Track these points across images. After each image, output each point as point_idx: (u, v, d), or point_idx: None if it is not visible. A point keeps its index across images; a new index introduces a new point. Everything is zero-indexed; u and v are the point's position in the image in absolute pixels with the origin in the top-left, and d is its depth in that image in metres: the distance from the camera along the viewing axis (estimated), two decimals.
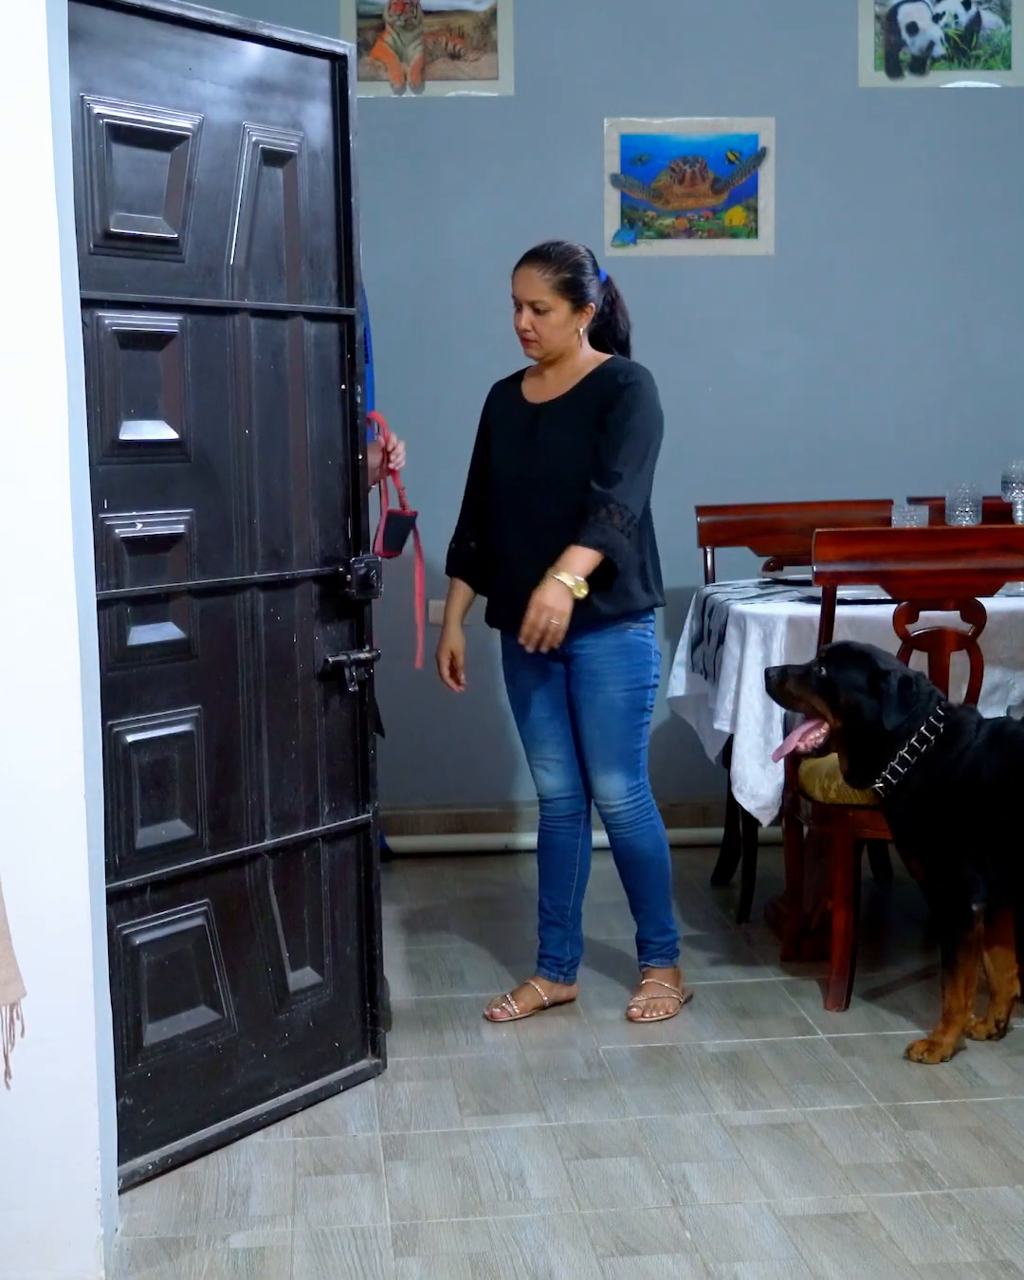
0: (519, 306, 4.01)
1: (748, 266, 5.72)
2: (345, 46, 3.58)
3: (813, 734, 3.92)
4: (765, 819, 4.46)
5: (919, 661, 4.12)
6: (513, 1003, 4.18)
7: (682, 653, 4.96)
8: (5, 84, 2.78)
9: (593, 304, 3.99)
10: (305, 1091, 3.68)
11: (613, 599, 3.95)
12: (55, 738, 2.91)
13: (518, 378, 4.17)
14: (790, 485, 5.54)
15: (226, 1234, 3.18)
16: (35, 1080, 2.89)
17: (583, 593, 3.86)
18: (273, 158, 3.46)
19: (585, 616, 3.93)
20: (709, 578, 5.16)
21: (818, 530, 4.15)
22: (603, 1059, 3.95)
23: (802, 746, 3.94)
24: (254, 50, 3.42)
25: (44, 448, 2.87)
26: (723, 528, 5.21)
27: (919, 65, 5.71)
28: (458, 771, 5.75)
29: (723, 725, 4.45)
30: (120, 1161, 3.25)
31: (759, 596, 4.64)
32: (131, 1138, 3.32)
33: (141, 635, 3.30)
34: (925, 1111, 3.63)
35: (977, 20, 5.71)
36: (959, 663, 4.15)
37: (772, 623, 4.36)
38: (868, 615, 4.33)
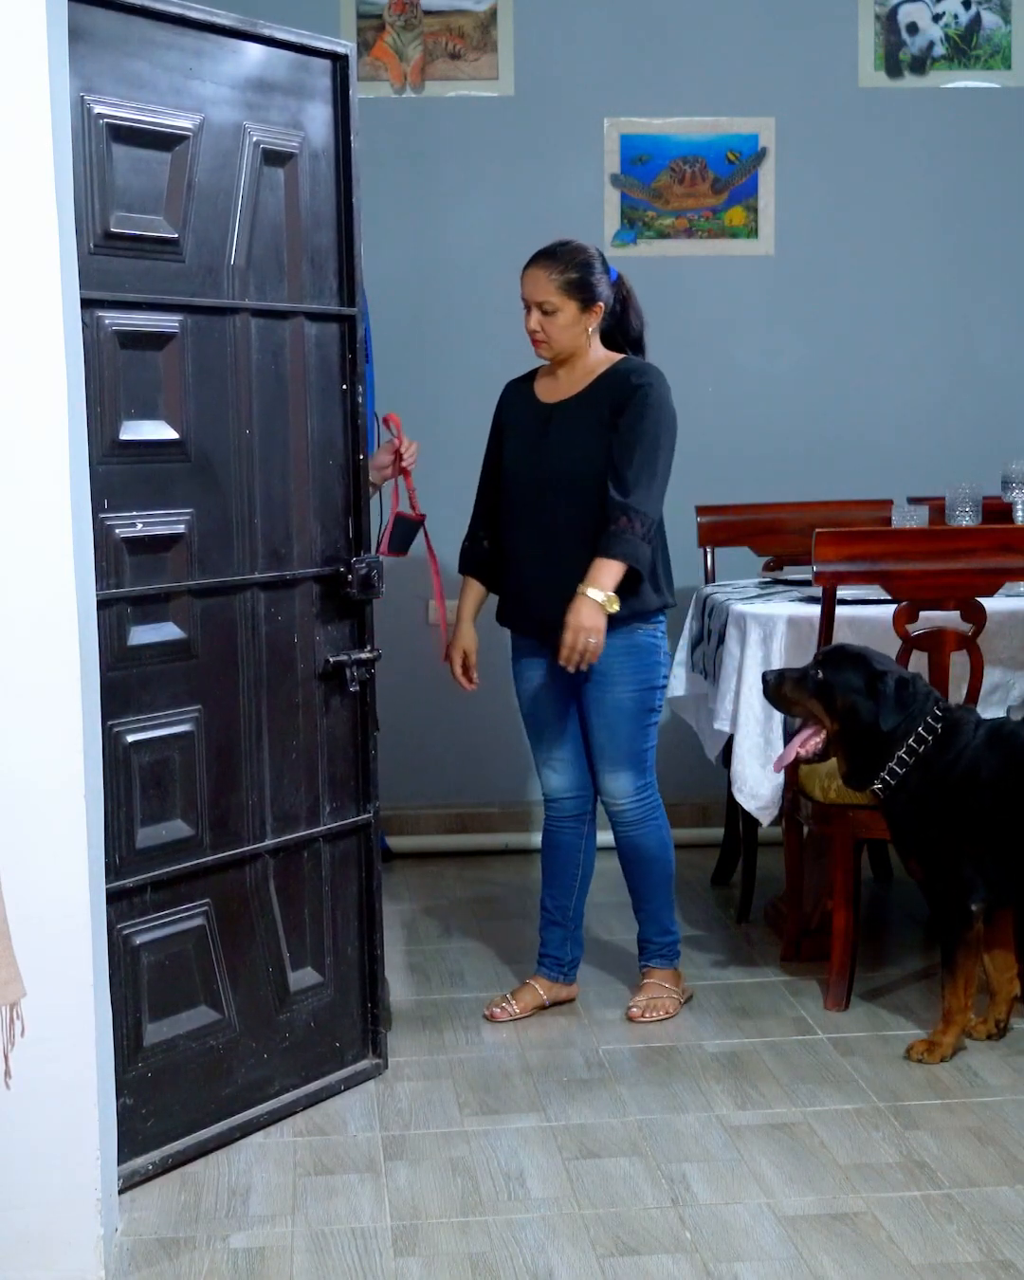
0: (528, 308, 4.01)
1: (748, 266, 5.72)
2: (346, 46, 3.57)
3: (812, 741, 3.93)
4: (765, 819, 4.46)
5: (919, 662, 4.13)
6: (513, 1002, 4.18)
7: (682, 653, 4.96)
8: (5, 84, 2.78)
9: (602, 303, 3.99)
10: (306, 1091, 3.68)
11: (623, 600, 3.96)
12: (55, 738, 2.91)
13: (531, 377, 4.17)
14: (790, 485, 5.54)
15: (226, 1234, 3.18)
16: (35, 1080, 2.89)
17: (615, 607, 3.88)
18: (273, 158, 3.46)
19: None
20: (709, 578, 5.16)
21: (818, 530, 4.15)
22: (603, 1059, 3.95)
23: (802, 752, 3.94)
24: (255, 50, 3.42)
25: (44, 448, 2.87)
26: (723, 528, 5.21)
27: (919, 65, 5.71)
28: (458, 771, 5.75)
29: (723, 725, 4.45)
30: (120, 1161, 3.25)
31: (759, 596, 4.64)
32: (132, 1138, 3.32)
33: (142, 635, 3.30)
34: (925, 1111, 3.63)
35: (977, 20, 5.71)
36: (959, 663, 4.15)
37: (772, 623, 4.36)
38: (868, 615, 4.33)
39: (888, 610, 4.18)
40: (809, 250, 5.72)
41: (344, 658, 3.66)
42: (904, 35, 5.69)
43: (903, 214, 5.74)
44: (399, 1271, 3.03)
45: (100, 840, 3.12)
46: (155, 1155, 3.37)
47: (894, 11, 5.68)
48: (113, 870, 3.23)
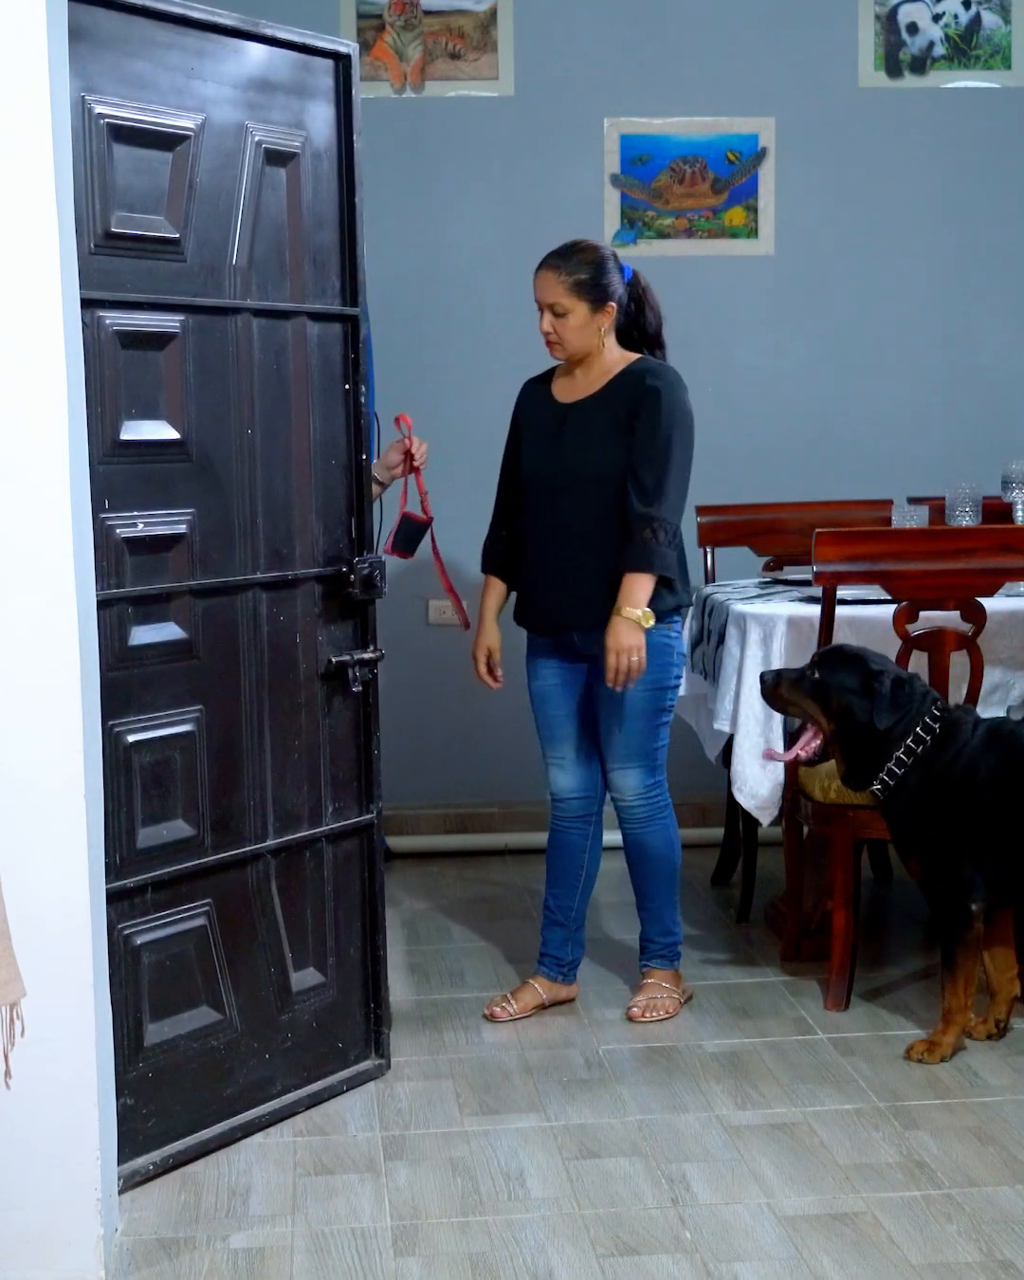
0: (541, 310, 4.01)
1: (748, 266, 5.72)
2: (349, 46, 3.57)
3: (811, 743, 3.93)
4: (765, 819, 4.46)
5: (919, 661, 4.13)
6: (513, 1002, 4.19)
7: None
8: (5, 84, 2.78)
9: (614, 303, 4.00)
10: (308, 1092, 3.68)
11: None
12: (55, 738, 2.91)
13: (549, 376, 4.18)
14: (790, 485, 5.54)
15: (226, 1234, 3.18)
16: (35, 1080, 2.89)
17: (650, 622, 3.92)
18: (276, 157, 3.46)
19: (609, 616, 3.96)
20: (709, 578, 5.15)
21: (818, 530, 4.15)
22: (603, 1059, 3.95)
23: (802, 755, 3.95)
24: (257, 50, 3.42)
25: (44, 448, 2.86)
26: (723, 528, 5.21)
27: (919, 65, 5.71)
28: (458, 771, 5.76)
29: (723, 725, 4.45)
30: (121, 1162, 3.25)
31: (759, 596, 4.64)
32: (133, 1138, 3.32)
33: (143, 635, 3.30)
34: (925, 1111, 3.63)
35: (977, 20, 5.71)
36: (959, 663, 4.15)
37: (772, 623, 4.36)
38: (868, 615, 4.33)
39: (888, 610, 4.18)
40: (809, 250, 5.72)
41: (347, 658, 3.66)
42: (904, 35, 5.69)
43: (903, 214, 5.74)
44: (399, 1271, 3.03)
45: (100, 840, 3.11)
46: (156, 1155, 3.37)
47: (894, 11, 5.68)
48: (113, 870, 3.23)
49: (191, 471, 3.37)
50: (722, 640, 4.50)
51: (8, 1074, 2.76)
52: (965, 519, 4.77)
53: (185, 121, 3.29)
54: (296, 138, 3.50)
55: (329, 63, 3.55)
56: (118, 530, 3.23)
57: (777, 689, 3.97)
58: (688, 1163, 3.42)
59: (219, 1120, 3.50)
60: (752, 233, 5.71)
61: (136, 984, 3.32)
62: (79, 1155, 2.98)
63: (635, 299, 4.08)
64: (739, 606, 4.46)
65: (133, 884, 3.29)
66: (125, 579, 3.25)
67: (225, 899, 3.49)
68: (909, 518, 4.73)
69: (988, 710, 4.25)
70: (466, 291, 5.63)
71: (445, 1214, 3.23)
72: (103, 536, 3.18)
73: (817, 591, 4.30)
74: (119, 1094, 3.24)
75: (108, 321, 3.18)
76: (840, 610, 4.22)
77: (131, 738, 3.29)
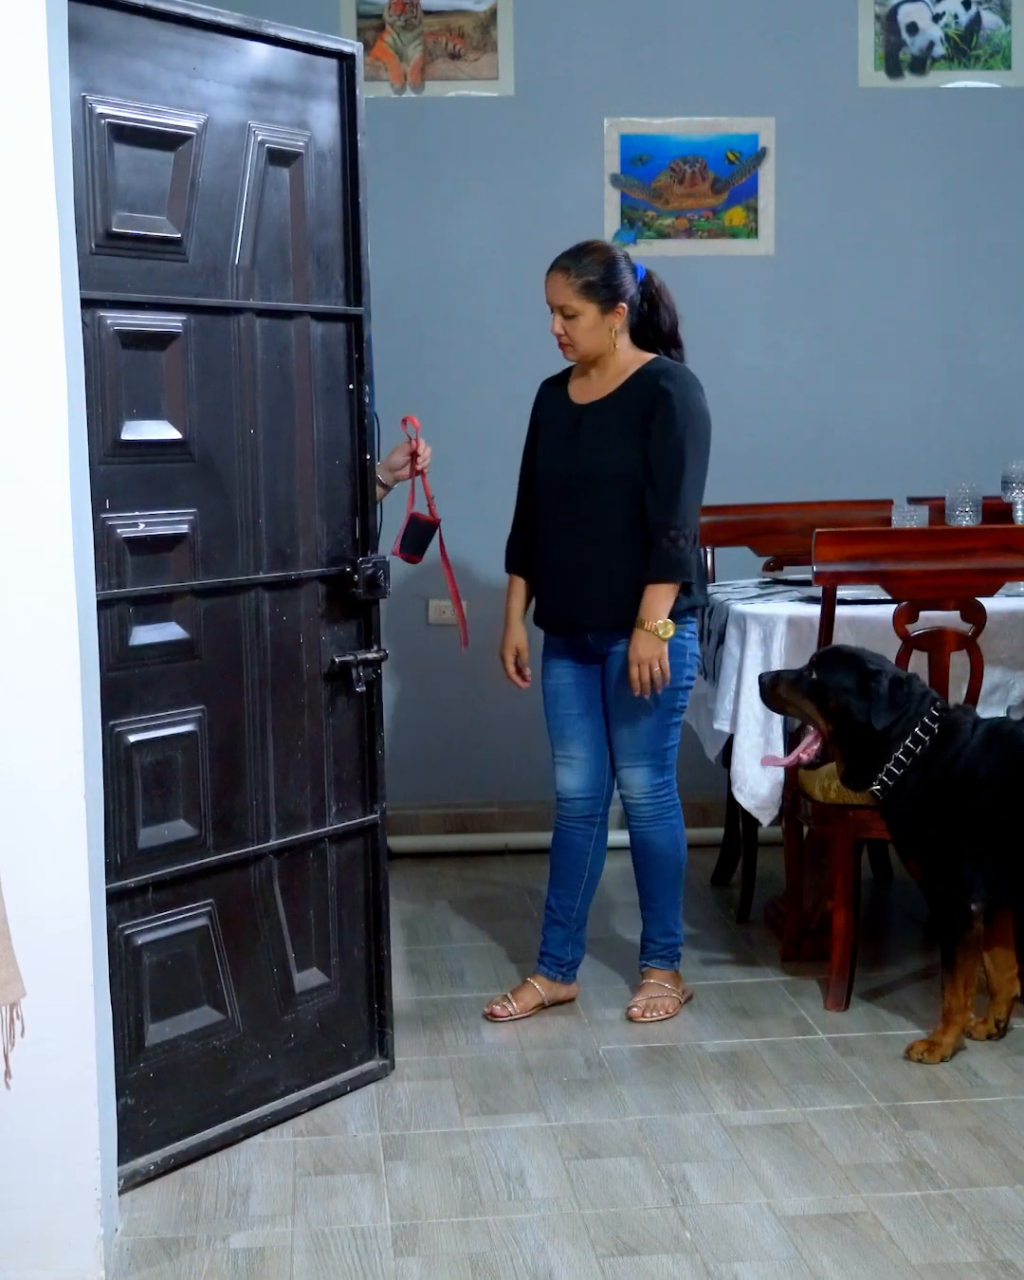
0: (552, 312, 4.02)
1: (748, 266, 5.72)
2: (353, 46, 3.57)
3: (811, 747, 3.94)
4: (765, 818, 4.46)
5: (919, 662, 4.13)
6: (513, 1001, 4.19)
7: None
8: (5, 84, 2.78)
9: (625, 303, 4.00)
10: (311, 1092, 3.68)
11: None
12: (55, 738, 2.91)
13: (565, 377, 4.19)
14: (790, 485, 5.54)
15: (226, 1234, 3.18)
16: (35, 1080, 2.89)
17: (670, 632, 3.96)
18: (279, 157, 3.45)
19: (627, 616, 3.98)
20: (709, 578, 5.15)
21: (818, 530, 4.15)
22: (603, 1059, 3.95)
23: (803, 758, 3.96)
24: (260, 50, 3.42)
25: (44, 448, 2.86)
26: (723, 528, 5.21)
27: (919, 65, 5.71)
28: (458, 771, 5.75)
29: (723, 725, 4.45)
30: (122, 1162, 3.25)
31: (759, 596, 4.64)
32: (133, 1138, 3.32)
33: (144, 635, 3.30)
34: (925, 1111, 3.63)
35: (977, 20, 5.71)
36: (959, 663, 4.15)
37: (772, 623, 4.36)
38: (868, 615, 4.33)
39: (888, 610, 4.18)
40: (809, 250, 5.72)
41: (350, 658, 3.65)
42: (904, 35, 5.69)
43: (903, 214, 5.74)
44: (399, 1271, 3.03)
45: (100, 840, 3.11)
46: (157, 1155, 3.37)
47: (894, 11, 5.68)
48: (114, 870, 3.23)
49: (193, 471, 3.37)
50: (722, 640, 4.51)
51: (8, 1074, 2.76)
52: (965, 519, 4.77)
53: (187, 121, 3.29)
54: (300, 137, 3.49)
55: (333, 62, 3.55)
56: (119, 530, 3.23)
57: (775, 690, 3.98)
58: (688, 1163, 3.42)
59: (221, 1120, 3.50)
60: (752, 233, 5.71)
61: (137, 984, 3.32)
62: (79, 1155, 2.98)
63: (648, 299, 4.08)
64: (739, 606, 4.46)
65: (133, 884, 3.29)
66: (126, 579, 3.25)
67: (227, 899, 3.49)
68: (909, 518, 4.73)
69: (988, 710, 4.25)
70: (466, 291, 5.63)
71: (445, 1214, 3.23)
72: (103, 536, 3.18)
73: (817, 591, 4.30)
74: (120, 1094, 3.24)
75: (108, 321, 3.18)
76: (840, 610, 4.22)
77: (132, 738, 3.28)
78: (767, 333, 5.75)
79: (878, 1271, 3.00)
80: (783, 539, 5.17)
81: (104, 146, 3.14)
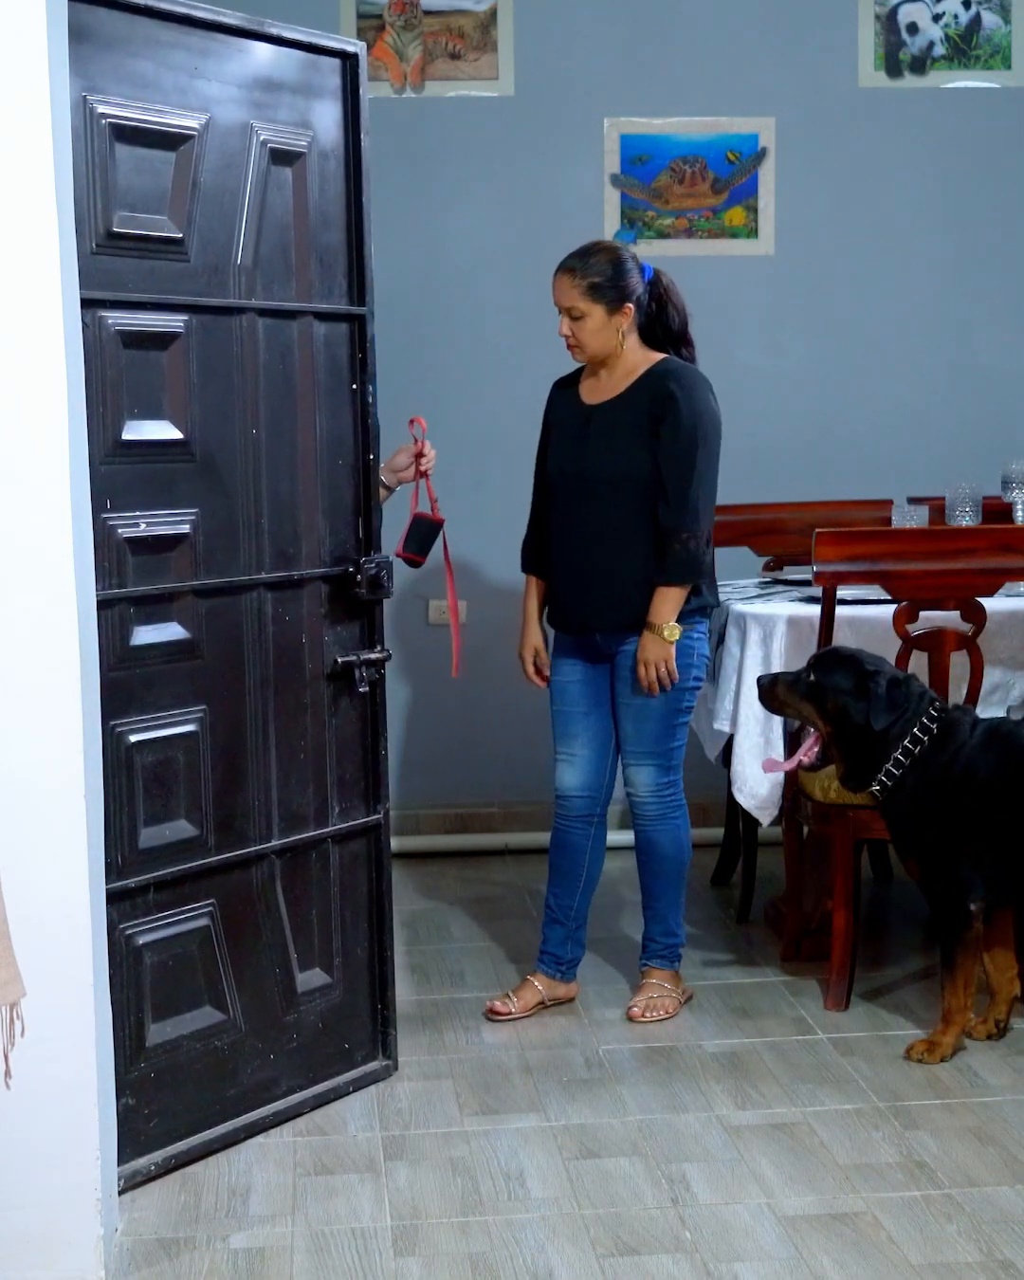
0: (561, 314, 4.02)
1: (748, 266, 5.72)
2: (356, 45, 3.57)
3: (812, 750, 3.95)
4: (765, 818, 4.46)
5: (919, 662, 4.13)
6: (514, 999, 4.19)
7: None
8: (4, 84, 2.78)
9: (632, 304, 4.01)
10: (314, 1093, 3.67)
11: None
12: (55, 738, 2.91)
13: (576, 377, 4.20)
14: (790, 485, 5.54)
15: (226, 1234, 3.18)
16: (35, 1080, 2.89)
17: (677, 634, 3.99)
18: (281, 157, 3.45)
19: (636, 617, 4.00)
20: None
21: (818, 530, 4.15)
22: (603, 1059, 3.95)
23: (804, 761, 3.96)
24: (262, 49, 3.42)
25: (43, 448, 2.86)
26: (723, 528, 5.17)
27: (919, 65, 5.71)
28: (458, 771, 5.75)
29: (723, 725, 4.45)
30: (123, 1162, 3.25)
31: (759, 596, 4.64)
32: (134, 1138, 3.31)
33: (145, 635, 3.29)
34: (925, 1111, 3.63)
35: (977, 20, 5.71)
36: (959, 663, 4.15)
37: (772, 623, 4.36)
38: (868, 615, 4.33)
39: (888, 610, 4.18)
40: (809, 250, 5.72)
41: (353, 658, 3.65)
42: (904, 35, 5.69)
43: (903, 214, 5.74)
44: (399, 1271, 3.03)
45: (100, 840, 3.11)
46: (158, 1155, 3.37)
47: (894, 11, 5.68)
48: (114, 870, 3.23)
49: (195, 471, 3.36)
50: (722, 640, 4.51)
51: (8, 1074, 2.76)
52: (965, 519, 4.77)
53: (189, 121, 3.29)
54: (303, 137, 3.49)
55: (336, 62, 3.55)
56: (120, 530, 3.23)
57: (773, 692, 3.99)
58: (688, 1163, 3.42)
59: (222, 1121, 3.50)
60: (752, 233, 5.71)
61: (138, 984, 3.32)
62: (79, 1155, 2.98)
63: (657, 299, 4.08)
64: (739, 606, 4.47)
65: (134, 884, 3.29)
66: (127, 579, 3.25)
67: (229, 899, 3.48)
68: (909, 518, 4.73)
69: (988, 710, 4.25)
70: (466, 292, 5.63)
71: (445, 1214, 3.24)
72: (104, 536, 3.18)
73: (817, 591, 4.30)
74: (120, 1094, 3.24)
75: (109, 321, 3.18)
76: (840, 610, 4.23)
77: (133, 738, 3.28)
78: (767, 333, 5.75)
79: (878, 1271, 3.00)
80: (783, 539, 5.17)
81: (105, 146, 3.14)
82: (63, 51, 2.93)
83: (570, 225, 5.40)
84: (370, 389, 3.63)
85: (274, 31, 3.42)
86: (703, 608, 4.09)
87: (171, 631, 3.34)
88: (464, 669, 4.23)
